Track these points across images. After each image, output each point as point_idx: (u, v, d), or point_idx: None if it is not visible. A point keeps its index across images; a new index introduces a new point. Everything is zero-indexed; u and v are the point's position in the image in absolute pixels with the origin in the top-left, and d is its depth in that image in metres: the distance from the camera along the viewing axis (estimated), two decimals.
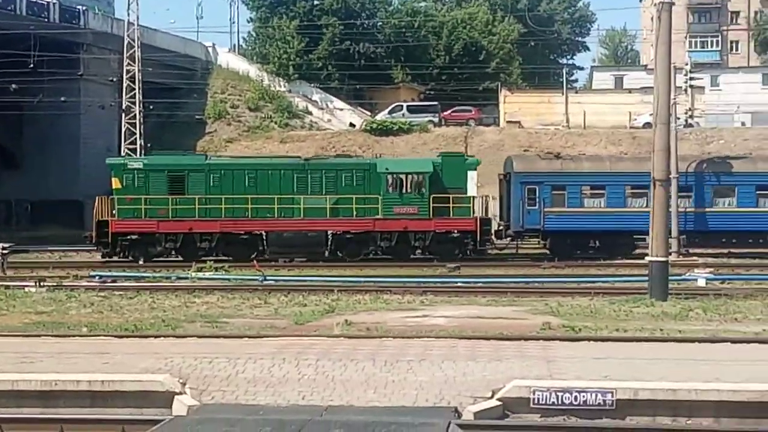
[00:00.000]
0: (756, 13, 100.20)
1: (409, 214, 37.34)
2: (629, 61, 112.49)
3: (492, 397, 11.49)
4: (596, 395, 11.22)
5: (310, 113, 67.06)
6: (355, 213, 37.40)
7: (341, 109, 67.85)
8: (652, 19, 22.69)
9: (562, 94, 68.97)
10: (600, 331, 17.20)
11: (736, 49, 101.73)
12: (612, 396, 11.19)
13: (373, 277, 30.20)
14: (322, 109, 67.86)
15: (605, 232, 37.83)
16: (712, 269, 32.15)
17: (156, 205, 37.19)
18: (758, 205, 38.44)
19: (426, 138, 59.81)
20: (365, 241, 37.66)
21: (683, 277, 29.26)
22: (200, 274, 31.57)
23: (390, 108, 64.11)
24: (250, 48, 76.61)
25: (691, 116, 61.19)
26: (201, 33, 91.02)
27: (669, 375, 11.96)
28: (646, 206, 35.85)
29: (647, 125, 50.76)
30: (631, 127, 62.15)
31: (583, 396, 11.23)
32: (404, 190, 37.71)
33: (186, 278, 30.63)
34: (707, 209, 38.66)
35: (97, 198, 38.40)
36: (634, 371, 12.29)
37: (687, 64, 56.05)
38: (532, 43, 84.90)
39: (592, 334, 16.72)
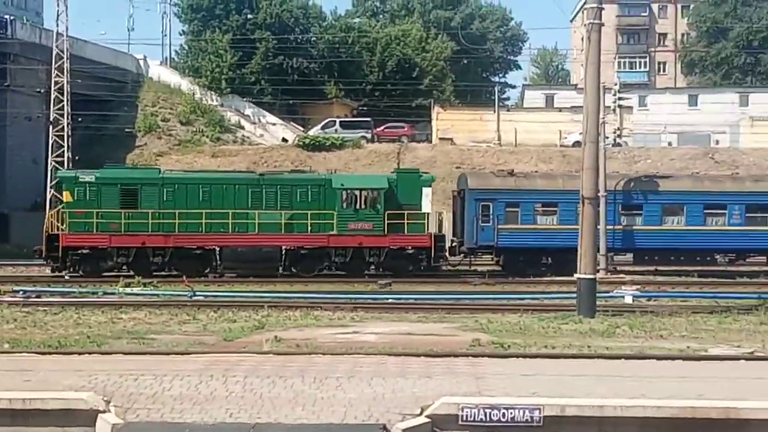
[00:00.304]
0: (683, 35, 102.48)
1: (364, 230, 37.28)
2: (560, 80, 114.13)
3: (421, 414, 11.47)
4: (524, 412, 11.26)
5: (243, 128, 66.64)
6: (309, 228, 37.16)
7: (274, 124, 67.52)
8: (582, 39, 22.97)
9: (494, 111, 69.52)
10: (529, 348, 17.33)
11: (664, 70, 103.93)
12: (540, 413, 11.25)
13: (304, 293, 30.03)
14: (254, 123, 67.50)
15: (557, 249, 37.31)
16: (638, 287, 32.62)
17: (108, 219, 36.55)
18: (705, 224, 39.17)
19: (359, 154, 59.84)
20: (320, 257, 37.41)
21: (611, 294, 29.59)
22: (128, 290, 31.01)
23: (323, 123, 64.03)
24: (182, 61, 75.92)
25: (619, 135, 62.16)
26: (132, 45, 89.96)
27: (596, 391, 12.07)
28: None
29: (577, 144, 51.39)
30: (561, 146, 62.89)
31: (511, 413, 11.26)
32: (359, 206, 37.70)
33: (113, 293, 30.11)
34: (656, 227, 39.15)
35: (49, 211, 37.73)
36: (562, 388, 12.37)
37: (616, 84, 57.05)
38: (465, 61, 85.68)
39: (521, 350, 16.84)
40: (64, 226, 36.61)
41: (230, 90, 68.11)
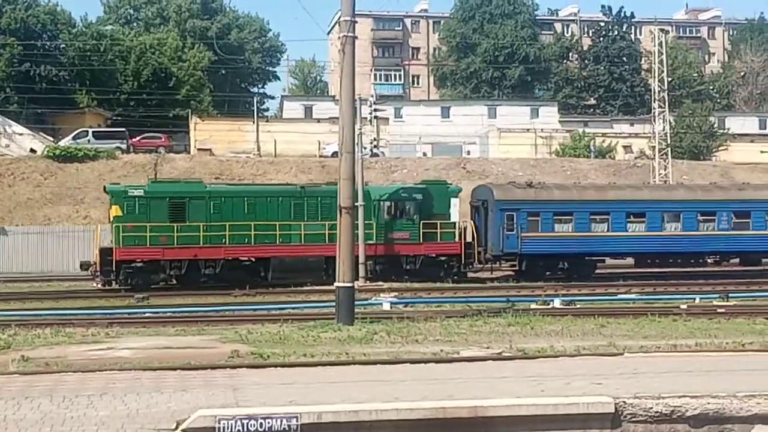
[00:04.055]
0: (434, 49, 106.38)
1: (402, 239, 39.68)
2: (318, 91, 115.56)
3: (176, 428, 11.19)
4: (281, 420, 11.24)
5: None
6: None
7: (21, 134, 64.20)
8: (339, 51, 23.34)
9: (254, 122, 69.54)
10: (288, 357, 17.33)
11: (418, 83, 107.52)
12: (297, 420, 11.26)
13: (54, 310, 28.74)
14: None
15: (573, 254, 40.92)
16: (396, 293, 33.42)
17: (159, 233, 37.20)
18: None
19: (114, 165, 58.07)
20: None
21: (369, 301, 30.15)
22: None
23: (74, 134, 61.71)
24: None
25: (376, 146, 63.86)
26: None
27: (352, 397, 12.22)
28: (607, 231, 40.81)
29: (335, 154, 52.16)
30: (320, 156, 63.70)
31: (269, 422, 11.21)
32: (397, 217, 39.84)
33: None
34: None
35: (97, 226, 39.09)
36: (320, 395, 12.45)
37: (372, 96, 58.48)
38: (223, 71, 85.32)
39: (279, 360, 16.80)
40: (114, 240, 36.83)
41: None
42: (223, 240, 37.85)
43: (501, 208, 40.95)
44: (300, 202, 39.37)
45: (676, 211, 42.54)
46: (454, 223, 40.53)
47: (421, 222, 39.78)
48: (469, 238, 40.64)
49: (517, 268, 41.35)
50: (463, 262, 40.19)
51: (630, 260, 44.14)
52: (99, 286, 37.53)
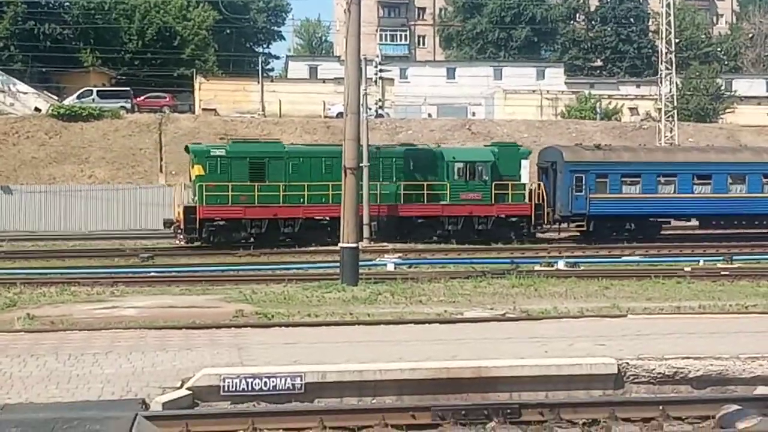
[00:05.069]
0: (441, 9, 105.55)
1: (474, 200, 40.12)
2: (324, 51, 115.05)
3: (181, 386, 11.27)
4: (286, 380, 11.30)
5: None
6: (425, 199, 39.52)
7: (25, 93, 64.03)
8: (344, 11, 23.30)
9: (258, 82, 69.22)
10: (292, 317, 17.42)
11: (423, 44, 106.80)
12: (301, 380, 11.32)
13: (59, 269, 28.86)
14: (3, 92, 63.75)
15: (640, 216, 41.39)
16: (400, 254, 33.49)
17: (240, 192, 37.92)
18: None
19: (118, 124, 57.92)
20: (433, 225, 39.75)
21: (374, 262, 30.22)
22: None
23: (79, 93, 61.51)
24: None
25: (381, 107, 63.53)
26: None
27: (356, 357, 12.28)
28: (674, 192, 41.19)
29: (340, 115, 51.98)
30: (325, 117, 63.48)
31: (273, 381, 11.27)
32: (469, 178, 40.24)
33: None
34: None
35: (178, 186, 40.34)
36: (324, 355, 12.51)
37: (378, 57, 58.08)
38: (228, 31, 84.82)
39: (284, 320, 16.90)
40: (196, 198, 37.68)
41: None
42: (302, 200, 38.39)
43: (570, 170, 41.39)
44: (375, 162, 39.82)
45: (742, 174, 42.93)
46: (524, 184, 41.06)
47: (493, 183, 40.22)
48: (537, 200, 41.00)
49: (584, 228, 41.92)
50: (533, 223, 40.82)
51: (694, 222, 44.93)
52: (182, 243, 38.35)
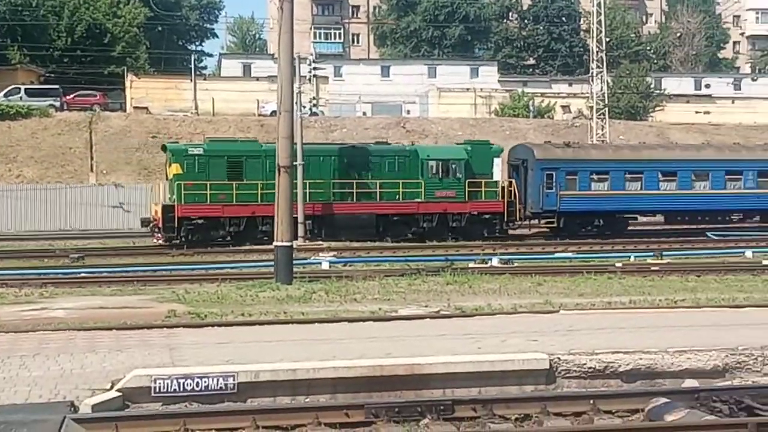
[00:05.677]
0: (375, 8, 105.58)
1: (448, 197, 40.46)
2: (257, 49, 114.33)
3: (111, 388, 11.09)
4: (218, 380, 11.19)
5: None
6: (400, 196, 40.04)
7: None
8: (278, 9, 23.15)
9: (191, 80, 68.59)
10: (225, 317, 17.29)
11: (358, 42, 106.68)
12: (234, 379, 11.21)
13: None
14: None
15: (608, 212, 42.32)
16: (335, 253, 33.45)
17: (218, 191, 37.98)
18: None
19: (47, 123, 56.93)
20: (408, 222, 40.31)
21: (308, 261, 30.15)
22: None
23: (6, 91, 60.29)
24: None
25: (315, 105, 63.40)
26: None
27: (290, 356, 12.20)
28: (641, 189, 41.91)
29: (274, 113, 51.81)
30: (259, 115, 63.11)
31: (205, 381, 11.15)
32: (443, 176, 40.53)
33: None
34: None
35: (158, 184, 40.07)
36: (257, 354, 12.41)
37: (311, 55, 57.90)
38: (159, 28, 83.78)
39: (217, 319, 16.76)
40: (174, 197, 37.59)
41: None
42: None
43: (542, 168, 42.02)
44: (353, 161, 40.24)
45: (705, 171, 43.87)
46: (497, 182, 41.58)
47: (467, 181, 40.53)
48: (510, 197, 41.41)
49: (554, 225, 42.49)
50: (505, 219, 41.28)
51: (660, 218, 45.89)
52: (160, 242, 38.09)
